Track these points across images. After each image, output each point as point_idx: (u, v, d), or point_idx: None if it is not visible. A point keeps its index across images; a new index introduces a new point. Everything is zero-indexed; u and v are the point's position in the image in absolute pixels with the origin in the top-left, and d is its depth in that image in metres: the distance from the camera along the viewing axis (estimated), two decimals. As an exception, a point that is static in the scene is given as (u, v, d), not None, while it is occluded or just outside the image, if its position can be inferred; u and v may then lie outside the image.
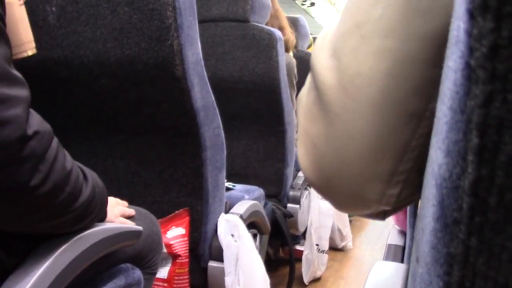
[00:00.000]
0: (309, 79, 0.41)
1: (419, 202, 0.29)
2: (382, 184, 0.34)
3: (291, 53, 2.27)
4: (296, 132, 2.07)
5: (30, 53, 0.79)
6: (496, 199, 0.18)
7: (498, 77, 0.17)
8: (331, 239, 2.53)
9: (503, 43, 0.16)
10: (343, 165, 0.35)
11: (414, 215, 0.68)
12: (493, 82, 0.17)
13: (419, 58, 0.31)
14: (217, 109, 1.26)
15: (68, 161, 0.68)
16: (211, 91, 1.23)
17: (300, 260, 2.19)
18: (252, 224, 1.56)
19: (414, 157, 0.33)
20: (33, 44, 0.80)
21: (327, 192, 0.40)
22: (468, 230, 0.20)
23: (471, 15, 0.17)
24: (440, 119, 0.22)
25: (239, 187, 1.71)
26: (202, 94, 1.18)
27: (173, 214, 1.26)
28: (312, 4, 8.36)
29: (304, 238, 2.25)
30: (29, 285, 0.66)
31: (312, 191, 2.18)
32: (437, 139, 0.22)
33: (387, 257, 0.87)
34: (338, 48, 0.35)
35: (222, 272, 1.29)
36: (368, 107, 0.32)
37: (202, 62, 1.18)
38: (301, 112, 0.41)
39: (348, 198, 0.37)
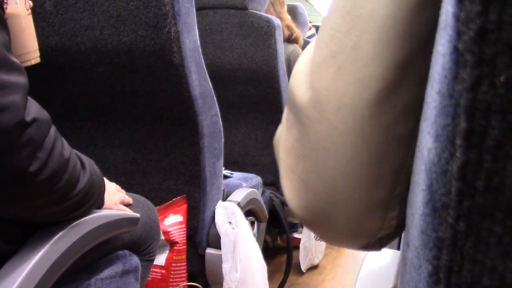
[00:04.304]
0: (287, 115, 0.39)
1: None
2: (382, 209, 0.33)
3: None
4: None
5: (33, 62, 0.79)
6: (484, 183, 0.19)
7: (485, 61, 0.17)
8: (329, 227, 2.53)
9: (490, 27, 0.16)
10: (339, 199, 0.34)
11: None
12: (480, 66, 0.17)
13: (401, 83, 0.30)
14: (214, 97, 1.26)
15: (66, 149, 0.69)
16: (208, 79, 1.22)
17: (297, 248, 2.20)
18: (250, 211, 1.56)
19: (408, 177, 0.32)
20: (37, 53, 0.80)
21: (324, 228, 0.38)
22: (457, 214, 0.20)
23: (459, -2, 0.17)
24: (429, 103, 0.22)
25: (237, 175, 1.72)
26: (200, 82, 1.17)
27: (170, 201, 1.27)
28: (312, -9, 8.32)
29: (302, 226, 2.26)
30: (26, 271, 0.67)
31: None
32: (426, 124, 0.22)
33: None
34: (315, 80, 0.33)
35: (219, 259, 1.29)
36: (356, 138, 0.31)
37: (200, 50, 1.18)
38: (282, 150, 0.39)
39: (347, 230, 0.36)
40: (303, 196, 0.37)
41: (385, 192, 0.33)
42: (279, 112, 1.91)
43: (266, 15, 1.80)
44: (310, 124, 0.34)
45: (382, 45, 0.29)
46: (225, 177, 1.64)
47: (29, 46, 0.77)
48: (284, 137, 0.39)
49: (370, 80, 0.30)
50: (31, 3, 0.78)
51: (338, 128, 0.32)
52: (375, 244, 0.37)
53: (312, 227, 0.39)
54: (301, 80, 0.35)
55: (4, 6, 0.66)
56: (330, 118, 0.32)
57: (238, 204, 1.38)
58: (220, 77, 1.79)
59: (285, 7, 2.27)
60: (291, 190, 0.38)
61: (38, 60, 0.80)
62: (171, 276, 1.26)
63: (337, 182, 0.33)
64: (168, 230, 1.24)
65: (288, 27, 2.20)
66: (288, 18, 2.26)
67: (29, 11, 0.77)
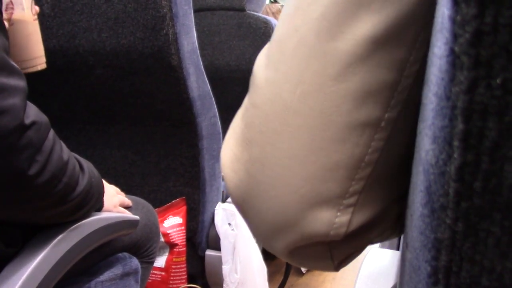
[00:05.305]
0: (245, 101, 0.35)
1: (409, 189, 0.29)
2: (330, 210, 0.29)
3: None
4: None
5: (40, 68, 0.79)
6: (482, 185, 0.19)
7: (482, 63, 0.17)
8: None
9: (486, 30, 0.16)
10: (284, 192, 0.30)
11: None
12: (477, 68, 0.17)
13: (373, 60, 0.26)
14: (213, 99, 1.26)
15: (65, 152, 0.69)
16: (207, 81, 1.23)
17: (297, 248, 2.20)
18: (250, 213, 1.56)
19: (366, 175, 0.29)
20: (43, 59, 0.80)
21: (259, 224, 0.33)
22: (455, 215, 0.20)
23: (455, 1, 0.17)
24: (426, 105, 0.22)
25: (236, 176, 1.71)
26: (198, 84, 1.18)
27: (170, 203, 1.27)
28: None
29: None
30: (26, 273, 0.67)
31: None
32: (424, 126, 0.22)
33: (383, 244, 0.88)
34: (274, 56, 0.30)
35: (219, 261, 1.29)
36: (315, 120, 0.28)
37: (198, 51, 1.18)
38: (233, 139, 0.35)
39: (287, 233, 0.31)
40: (244, 187, 0.33)
41: (337, 187, 0.29)
42: (278, 113, 1.91)
43: (264, 16, 1.80)
44: (263, 104, 0.31)
45: (356, 16, 0.26)
46: (224, 178, 1.64)
47: (35, 52, 0.77)
48: (236, 125, 0.36)
49: (338, 54, 0.27)
50: (37, 9, 0.78)
51: (293, 108, 0.28)
52: (325, 262, 0.33)
53: (248, 220, 0.35)
54: (261, 60, 0.32)
55: (10, 11, 0.66)
56: (285, 97, 0.29)
57: (238, 205, 1.38)
58: (218, 78, 1.79)
59: None
60: (234, 181, 0.34)
61: (44, 66, 0.80)
62: (171, 278, 1.26)
63: (284, 172, 0.30)
64: (168, 232, 1.24)
65: None
66: None
67: (36, 16, 0.77)
